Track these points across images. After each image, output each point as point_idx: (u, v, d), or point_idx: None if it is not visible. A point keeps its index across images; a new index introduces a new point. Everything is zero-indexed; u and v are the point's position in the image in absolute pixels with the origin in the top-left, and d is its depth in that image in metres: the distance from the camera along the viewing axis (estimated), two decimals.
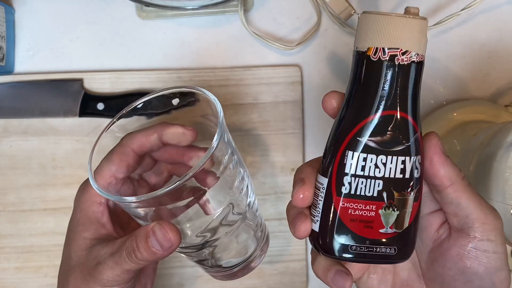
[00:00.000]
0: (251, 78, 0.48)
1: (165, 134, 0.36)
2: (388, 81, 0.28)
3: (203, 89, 0.34)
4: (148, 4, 0.45)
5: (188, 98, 0.47)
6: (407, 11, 0.29)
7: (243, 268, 0.38)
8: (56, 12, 0.50)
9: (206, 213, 0.33)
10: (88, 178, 0.34)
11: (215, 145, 0.30)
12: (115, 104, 0.47)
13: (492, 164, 0.36)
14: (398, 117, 0.28)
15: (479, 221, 0.29)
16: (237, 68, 0.49)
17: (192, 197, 0.32)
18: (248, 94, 0.48)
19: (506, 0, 0.50)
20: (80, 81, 0.48)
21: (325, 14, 0.50)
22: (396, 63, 0.28)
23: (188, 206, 0.32)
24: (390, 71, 0.28)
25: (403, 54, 0.28)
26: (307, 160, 0.49)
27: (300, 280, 0.47)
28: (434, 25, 0.47)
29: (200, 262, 0.37)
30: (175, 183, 0.29)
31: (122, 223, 0.37)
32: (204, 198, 0.32)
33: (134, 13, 0.50)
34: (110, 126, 0.36)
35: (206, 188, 0.32)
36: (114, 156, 0.35)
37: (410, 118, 0.29)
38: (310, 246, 0.47)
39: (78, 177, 0.48)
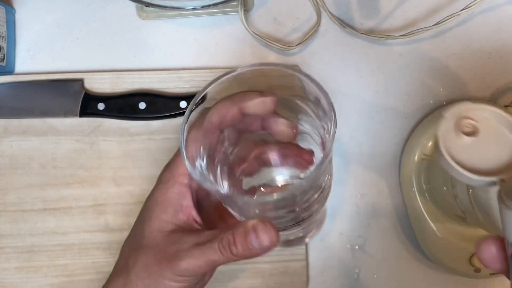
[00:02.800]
0: None
1: (245, 106, 0.33)
2: None
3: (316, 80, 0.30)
4: (148, 5, 0.45)
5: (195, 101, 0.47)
6: None
7: (298, 239, 0.41)
8: (56, 12, 0.50)
9: None
10: (173, 158, 0.34)
11: (324, 162, 0.28)
12: (115, 104, 0.48)
13: None
14: None
15: None
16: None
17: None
18: None
19: (506, 0, 0.50)
20: (80, 81, 0.48)
21: (325, 14, 0.50)
22: None
23: None
24: None
25: None
26: None
27: (300, 280, 0.47)
28: (434, 25, 0.47)
29: None
30: (284, 193, 0.28)
31: (202, 208, 0.35)
32: None
33: (134, 13, 0.50)
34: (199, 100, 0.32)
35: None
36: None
37: None
38: (310, 247, 0.47)
39: (78, 177, 0.48)
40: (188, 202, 0.34)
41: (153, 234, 0.33)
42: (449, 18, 0.47)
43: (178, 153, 0.34)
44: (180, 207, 0.33)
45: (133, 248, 0.34)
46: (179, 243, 0.32)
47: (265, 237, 0.29)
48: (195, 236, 0.32)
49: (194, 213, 0.34)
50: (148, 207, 0.34)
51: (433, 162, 0.46)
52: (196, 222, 0.34)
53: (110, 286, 0.34)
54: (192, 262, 0.31)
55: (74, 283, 0.47)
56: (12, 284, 0.47)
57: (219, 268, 0.47)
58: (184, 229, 0.33)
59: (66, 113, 0.48)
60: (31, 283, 0.47)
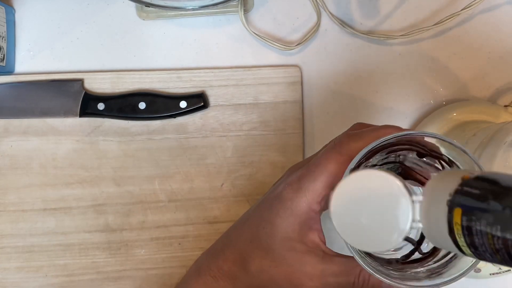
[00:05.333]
0: (251, 78, 0.48)
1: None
2: None
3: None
4: (148, 5, 0.45)
5: (196, 102, 0.48)
6: None
7: None
8: (56, 12, 0.50)
9: None
10: (301, 178, 0.32)
11: None
12: (115, 104, 0.48)
13: (492, 164, 0.36)
14: None
15: None
16: (237, 68, 0.49)
17: None
18: (248, 94, 0.48)
19: (506, 0, 0.50)
20: (80, 81, 0.48)
21: (325, 14, 0.50)
22: None
23: None
24: None
25: None
26: None
27: None
28: (434, 25, 0.47)
29: None
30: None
31: None
32: None
33: (134, 13, 0.50)
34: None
35: None
36: (331, 165, 0.31)
37: None
38: None
39: (78, 177, 0.48)
40: (318, 225, 0.33)
41: (282, 251, 0.32)
42: (449, 18, 0.47)
43: (316, 165, 0.32)
44: (308, 228, 0.32)
45: (254, 247, 0.33)
46: (306, 265, 0.31)
47: None
48: (323, 261, 0.31)
49: (322, 236, 0.33)
50: (273, 211, 0.33)
51: None
52: (324, 244, 0.33)
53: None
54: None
55: (74, 282, 0.47)
56: (13, 284, 0.48)
57: None
58: (310, 251, 0.32)
59: (66, 113, 0.48)
60: (31, 282, 0.48)
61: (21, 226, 0.48)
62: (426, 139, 0.30)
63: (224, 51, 0.50)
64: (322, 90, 0.49)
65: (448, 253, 0.30)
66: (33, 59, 0.50)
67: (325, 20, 0.50)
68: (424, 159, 0.32)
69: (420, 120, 0.48)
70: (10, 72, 0.49)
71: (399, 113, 0.49)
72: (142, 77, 0.49)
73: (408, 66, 0.50)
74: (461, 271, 0.28)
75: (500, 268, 0.46)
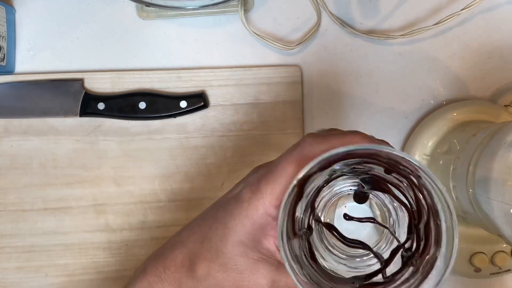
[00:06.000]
0: (251, 78, 0.48)
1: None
2: None
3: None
4: (149, 4, 0.45)
5: (196, 102, 0.48)
6: None
7: None
8: (56, 12, 0.50)
9: None
10: (261, 179, 0.30)
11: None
12: (115, 104, 0.48)
13: (491, 164, 0.36)
14: None
15: None
16: (237, 68, 0.49)
17: None
18: (248, 94, 0.48)
19: (506, 0, 0.50)
20: (80, 81, 0.48)
21: (325, 14, 0.50)
22: None
23: None
24: None
25: None
26: None
27: None
28: (434, 24, 0.47)
29: None
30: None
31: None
32: None
33: (134, 13, 0.50)
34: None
35: None
36: (291, 167, 0.29)
37: None
38: None
39: (78, 177, 0.48)
40: (274, 232, 0.30)
41: (233, 256, 0.30)
42: (449, 18, 0.47)
43: (275, 172, 0.30)
44: (263, 234, 0.30)
45: (204, 249, 0.31)
46: (257, 274, 0.30)
47: None
48: (277, 271, 0.30)
49: (273, 243, 0.31)
50: (227, 211, 0.31)
51: (433, 162, 0.46)
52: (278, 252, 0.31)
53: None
54: None
55: (74, 282, 0.47)
56: (13, 284, 0.48)
57: None
58: (263, 259, 0.30)
59: (66, 113, 0.48)
60: (31, 282, 0.48)
61: (21, 226, 0.48)
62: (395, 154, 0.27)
63: (224, 51, 0.50)
64: (322, 90, 0.49)
65: (407, 280, 0.28)
66: (33, 59, 0.50)
67: (325, 20, 0.50)
68: (392, 175, 0.29)
69: (420, 120, 0.48)
70: (10, 72, 0.49)
71: (399, 113, 0.49)
72: (142, 77, 0.49)
73: (408, 66, 0.50)
74: None
75: (500, 268, 0.46)
